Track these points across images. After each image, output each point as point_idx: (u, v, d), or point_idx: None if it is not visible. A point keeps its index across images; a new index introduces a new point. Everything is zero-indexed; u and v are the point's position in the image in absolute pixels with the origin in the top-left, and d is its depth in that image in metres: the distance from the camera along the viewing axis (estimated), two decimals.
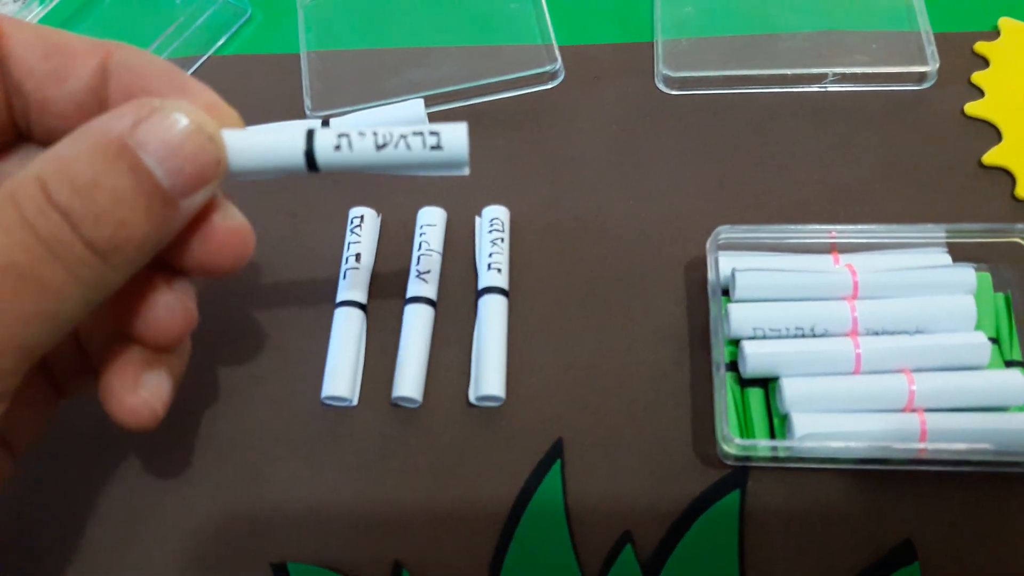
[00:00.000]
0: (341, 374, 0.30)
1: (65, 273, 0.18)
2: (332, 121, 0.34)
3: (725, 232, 0.29)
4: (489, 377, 0.29)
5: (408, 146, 0.21)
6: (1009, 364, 0.28)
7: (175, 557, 0.28)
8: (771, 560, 0.26)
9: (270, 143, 0.21)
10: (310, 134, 0.21)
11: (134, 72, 0.22)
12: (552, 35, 0.37)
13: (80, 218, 0.18)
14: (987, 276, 0.30)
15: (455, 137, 0.21)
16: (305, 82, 0.37)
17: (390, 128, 0.21)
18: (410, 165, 0.21)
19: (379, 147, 0.21)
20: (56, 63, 0.22)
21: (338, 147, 0.21)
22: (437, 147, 0.21)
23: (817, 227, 0.30)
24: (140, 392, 0.22)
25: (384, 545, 0.27)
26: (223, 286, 0.33)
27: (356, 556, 0.27)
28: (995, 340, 0.29)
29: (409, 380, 0.30)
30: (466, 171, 0.22)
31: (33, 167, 0.18)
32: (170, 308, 0.22)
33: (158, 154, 0.19)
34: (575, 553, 0.27)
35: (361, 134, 0.21)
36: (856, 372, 0.27)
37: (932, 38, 0.35)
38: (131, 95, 0.22)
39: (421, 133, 0.21)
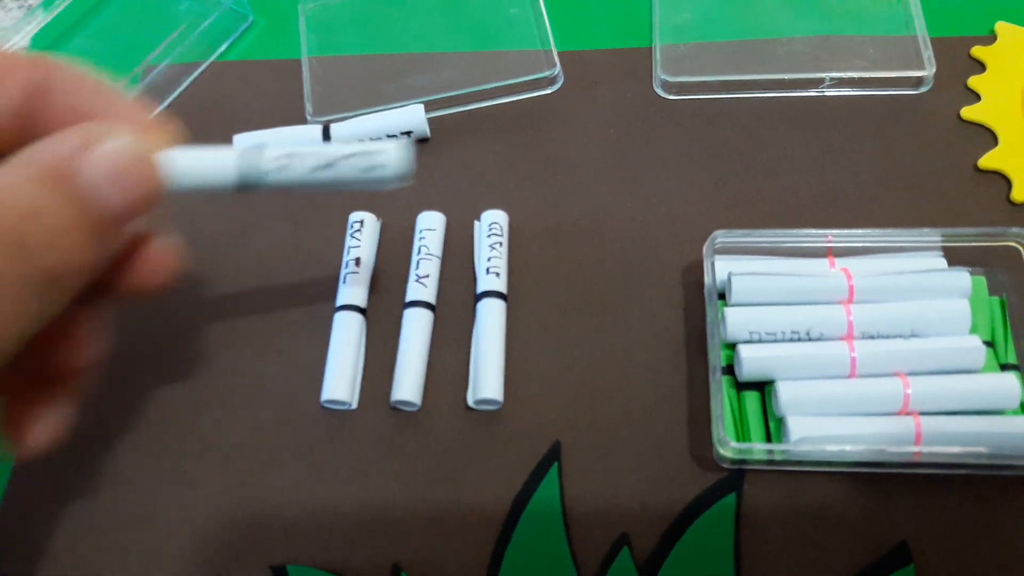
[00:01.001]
0: (341, 378, 0.30)
1: (12, 303, 0.18)
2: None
3: (721, 236, 0.30)
4: (487, 381, 0.29)
5: (347, 167, 0.22)
6: (1004, 368, 0.28)
7: (175, 560, 0.28)
8: (767, 563, 0.26)
9: (206, 165, 0.21)
10: (245, 154, 0.21)
11: (71, 92, 0.21)
12: (551, 40, 0.37)
13: (31, 246, 0.17)
14: (982, 280, 0.30)
15: (393, 158, 0.22)
16: (306, 88, 0.37)
17: (328, 149, 0.22)
18: (347, 183, 0.22)
19: (317, 168, 0.21)
20: None
21: (277, 168, 0.21)
22: (373, 168, 0.22)
23: (813, 231, 0.30)
24: (35, 427, 0.22)
25: (383, 548, 0.28)
26: (224, 290, 0.33)
27: (355, 559, 0.28)
28: (990, 344, 0.29)
29: (408, 384, 0.30)
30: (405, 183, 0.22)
31: None
32: (88, 339, 0.22)
33: (101, 181, 0.18)
34: (572, 556, 0.27)
35: (295, 155, 0.21)
36: (851, 376, 0.27)
37: (929, 42, 0.35)
38: (69, 115, 0.21)
39: (358, 154, 0.22)
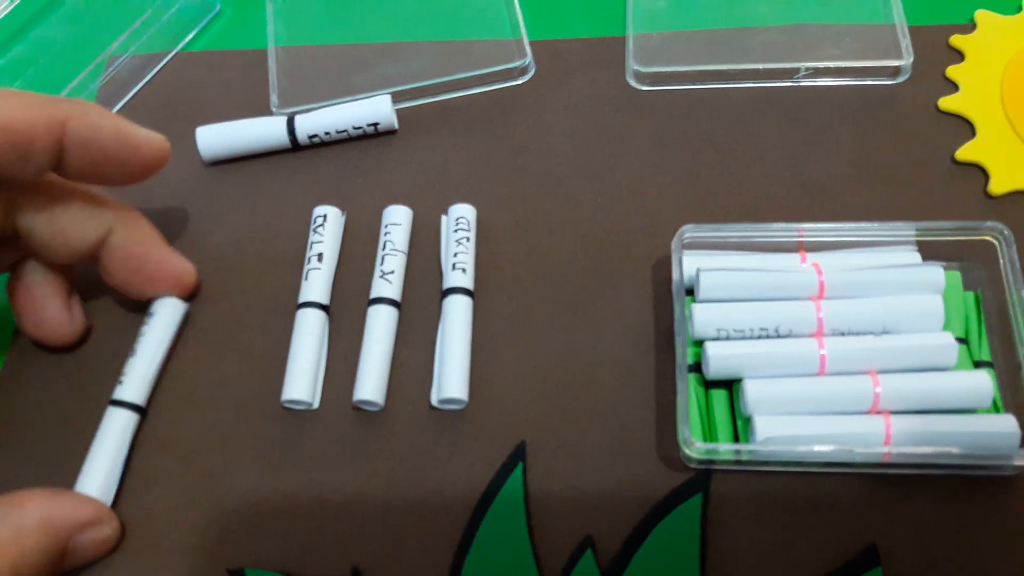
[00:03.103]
0: (302, 377, 0.29)
1: None
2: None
3: (690, 231, 0.29)
4: (451, 380, 0.29)
5: None
6: (978, 364, 0.28)
7: (131, 562, 0.27)
8: (733, 566, 0.26)
9: None
10: None
11: (88, 146, 0.26)
12: (523, 30, 0.36)
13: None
14: (957, 275, 0.29)
15: None
16: (272, 78, 0.37)
17: None
18: None
19: None
20: (16, 152, 0.25)
21: None
22: None
23: (784, 225, 0.29)
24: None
25: (343, 550, 0.27)
26: None
27: (314, 561, 0.27)
28: (964, 340, 0.28)
29: (371, 383, 0.29)
30: None
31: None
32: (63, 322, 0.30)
33: (82, 553, 0.26)
34: (536, 559, 0.27)
35: None
36: (821, 374, 0.27)
37: (907, 31, 0.34)
38: (86, 168, 0.26)
39: None
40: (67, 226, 0.27)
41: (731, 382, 0.28)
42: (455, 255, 0.31)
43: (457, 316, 0.30)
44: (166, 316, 0.30)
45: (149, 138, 0.28)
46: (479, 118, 0.35)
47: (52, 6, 0.42)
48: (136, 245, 0.29)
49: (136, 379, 0.29)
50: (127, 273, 0.29)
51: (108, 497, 0.28)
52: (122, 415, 0.29)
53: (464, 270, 0.31)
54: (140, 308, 0.31)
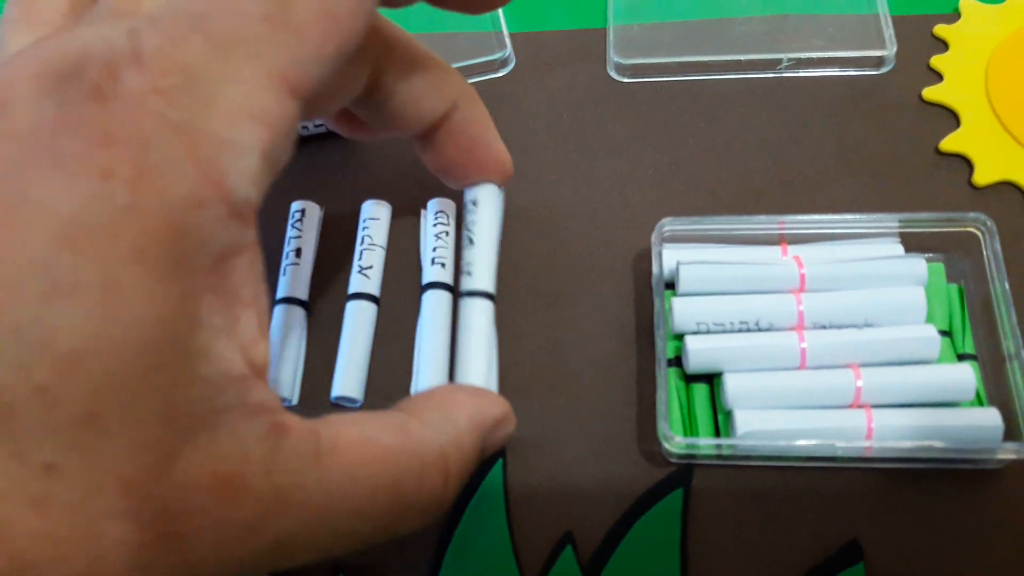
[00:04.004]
0: (280, 372, 0.29)
1: None
2: None
3: (669, 224, 0.29)
4: (430, 376, 0.28)
5: None
6: (961, 357, 0.28)
7: None
8: (713, 562, 0.26)
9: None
10: None
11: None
12: (503, 21, 0.36)
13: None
14: (940, 267, 0.29)
15: None
16: None
17: None
18: None
19: None
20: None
21: None
22: None
23: (765, 218, 0.29)
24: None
25: None
26: None
27: None
28: (947, 333, 0.28)
29: (349, 379, 0.29)
30: None
31: (438, 438, 0.21)
32: None
33: (489, 450, 0.24)
34: (515, 555, 0.26)
35: None
36: (802, 367, 0.27)
37: (890, 21, 0.34)
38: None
39: None
40: (422, 93, 0.25)
41: (712, 376, 0.28)
42: (434, 250, 0.31)
43: (437, 311, 0.30)
44: (492, 202, 0.28)
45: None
46: None
47: None
48: (474, 124, 0.27)
49: (483, 267, 0.27)
50: (460, 153, 0.27)
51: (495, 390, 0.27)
52: (484, 304, 0.27)
53: (443, 264, 0.31)
54: None
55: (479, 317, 0.27)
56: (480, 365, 0.26)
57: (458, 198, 0.32)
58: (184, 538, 0.16)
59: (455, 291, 0.31)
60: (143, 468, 0.15)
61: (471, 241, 0.27)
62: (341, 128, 0.28)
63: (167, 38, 0.16)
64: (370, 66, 0.23)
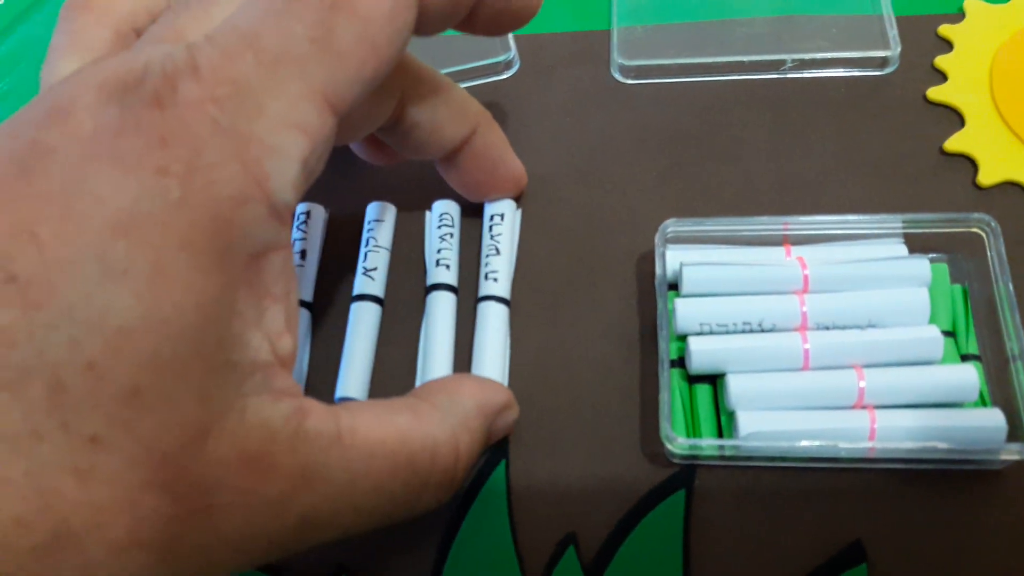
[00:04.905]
0: None
1: None
2: None
3: (673, 225, 0.29)
4: (434, 377, 0.29)
5: None
6: (965, 358, 0.28)
7: None
8: (716, 562, 0.26)
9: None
10: None
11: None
12: None
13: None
14: (944, 267, 0.29)
15: None
16: None
17: None
18: None
19: None
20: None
21: None
22: None
23: (768, 219, 0.29)
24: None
25: (327, 548, 0.26)
26: None
27: (298, 559, 0.27)
28: (951, 333, 0.28)
29: (353, 380, 0.29)
30: None
31: (448, 419, 0.23)
32: None
33: (494, 436, 0.26)
34: (518, 555, 0.26)
35: None
36: (805, 368, 0.27)
37: (894, 21, 0.34)
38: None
39: None
40: (445, 121, 0.27)
41: (715, 377, 0.28)
42: (439, 251, 0.31)
43: (441, 312, 0.30)
44: (514, 216, 0.32)
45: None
46: None
47: (41, 3, 0.42)
48: (494, 147, 0.29)
49: (505, 276, 0.30)
50: (481, 174, 0.30)
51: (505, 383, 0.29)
52: (504, 309, 0.30)
53: (448, 266, 0.31)
54: None
55: (499, 320, 0.29)
56: (498, 366, 0.28)
57: (461, 200, 0.32)
58: (215, 512, 0.17)
59: (459, 293, 0.31)
60: (179, 444, 0.16)
61: (497, 251, 0.30)
62: (369, 155, 0.30)
63: (222, 54, 0.17)
64: (397, 96, 0.25)
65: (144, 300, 0.16)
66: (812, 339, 0.27)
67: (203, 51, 0.17)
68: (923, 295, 0.27)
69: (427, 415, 0.22)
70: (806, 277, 0.28)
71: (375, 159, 0.30)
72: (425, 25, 0.22)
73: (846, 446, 0.25)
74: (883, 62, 0.34)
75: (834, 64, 0.34)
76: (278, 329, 0.19)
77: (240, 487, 0.17)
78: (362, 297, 0.31)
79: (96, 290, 0.15)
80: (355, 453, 0.20)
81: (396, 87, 0.25)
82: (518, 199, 0.33)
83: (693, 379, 0.28)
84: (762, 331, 0.27)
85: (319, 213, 0.33)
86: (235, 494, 0.17)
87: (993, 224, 0.28)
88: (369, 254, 0.31)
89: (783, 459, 0.26)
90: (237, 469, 0.17)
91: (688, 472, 0.27)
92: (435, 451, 0.22)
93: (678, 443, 0.26)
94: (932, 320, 0.27)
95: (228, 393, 0.17)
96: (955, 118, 0.33)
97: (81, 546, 0.15)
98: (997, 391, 0.27)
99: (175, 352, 0.16)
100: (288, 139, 0.18)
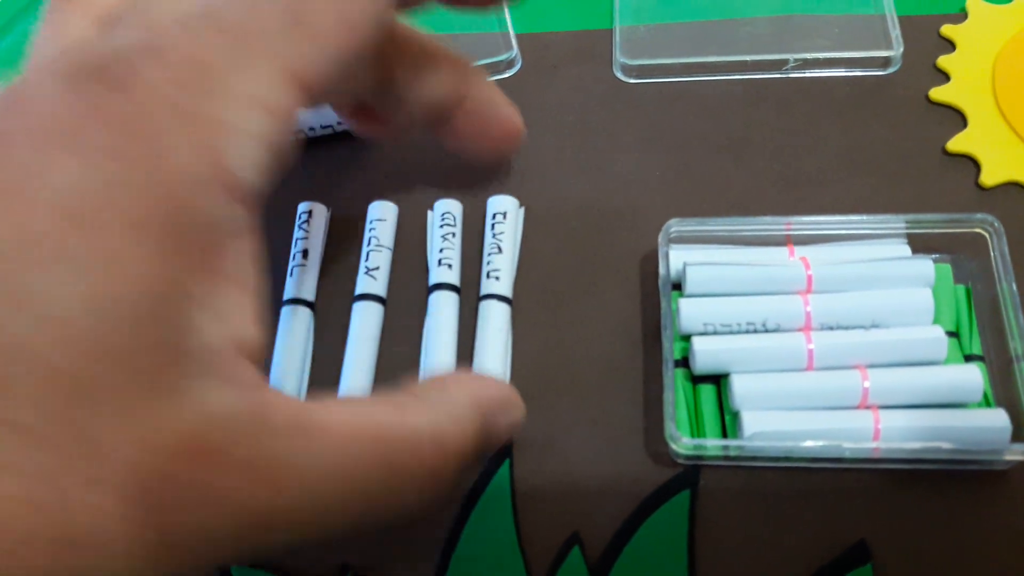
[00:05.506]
0: (287, 374, 0.29)
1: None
2: None
3: (676, 225, 0.29)
4: None
5: None
6: (969, 358, 0.28)
7: None
8: (721, 562, 0.26)
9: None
10: None
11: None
12: (509, 22, 0.36)
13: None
14: (947, 268, 0.29)
15: None
16: None
17: None
18: None
19: None
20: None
21: None
22: None
23: (772, 219, 0.29)
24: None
25: (331, 548, 0.27)
26: None
27: (302, 559, 0.27)
28: (955, 334, 0.28)
29: (356, 380, 0.29)
30: None
31: (434, 414, 0.21)
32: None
33: (497, 436, 0.24)
34: (523, 555, 0.26)
35: None
36: (809, 368, 0.27)
37: (896, 21, 0.34)
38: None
39: None
40: (435, 83, 0.26)
41: (719, 377, 0.28)
42: (441, 251, 0.31)
43: (444, 312, 0.30)
44: (516, 215, 0.32)
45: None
46: None
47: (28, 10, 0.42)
48: (486, 102, 0.28)
49: (507, 274, 0.30)
50: (478, 132, 0.28)
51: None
52: (505, 308, 0.30)
53: (450, 266, 0.31)
54: None
55: (501, 319, 0.29)
56: (499, 364, 0.28)
57: (463, 200, 0.32)
58: (167, 509, 0.16)
59: (461, 292, 0.31)
60: (125, 437, 0.15)
61: (499, 249, 0.30)
62: (357, 125, 0.29)
63: (187, 35, 0.17)
64: (380, 63, 0.24)
65: (90, 287, 0.15)
66: (816, 339, 0.27)
67: (169, 33, 0.17)
68: (927, 295, 0.27)
69: (410, 409, 0.21)
70: (810, 277, 0.28)
71: (364, 130, 0.29)
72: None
73: (850, 446, 0.25)
74: (885, 62, 0.34)
75: (836, 64, 0.34)
76: (239, 317, 0.18)
77: (193, 482, 0.16)
78: (364, 296, 0.30)
79: (39, 277, 0.15)
80: (323, 448, 0.18)
81: (379, 53, 0.24)
82: (520, 197, 0.32)
83: (697, 379, 0.28)
84: (766, 331, 0.27)
85: (321, 212, 0.32)
86: (188, 490, 0.16)
87: (996, 224, 0.28)
88: (371, 253, 0.31)
89: (787, 459, 0.26)
90: (189, 463, 0.16)
91: (692, 472, 0.27)
92: (418, 448, 0.20)
93: (682, 443, 0.26)
94: (936, 320, 0.27)
95: (180, 383, 0.16)
96: (957, 118, 0.33)
97: (16, 547, 0.14)
98: (1001, 391, 0.27)
99: (122, 340, 0.15)
100: (248, 116, 0.17)
